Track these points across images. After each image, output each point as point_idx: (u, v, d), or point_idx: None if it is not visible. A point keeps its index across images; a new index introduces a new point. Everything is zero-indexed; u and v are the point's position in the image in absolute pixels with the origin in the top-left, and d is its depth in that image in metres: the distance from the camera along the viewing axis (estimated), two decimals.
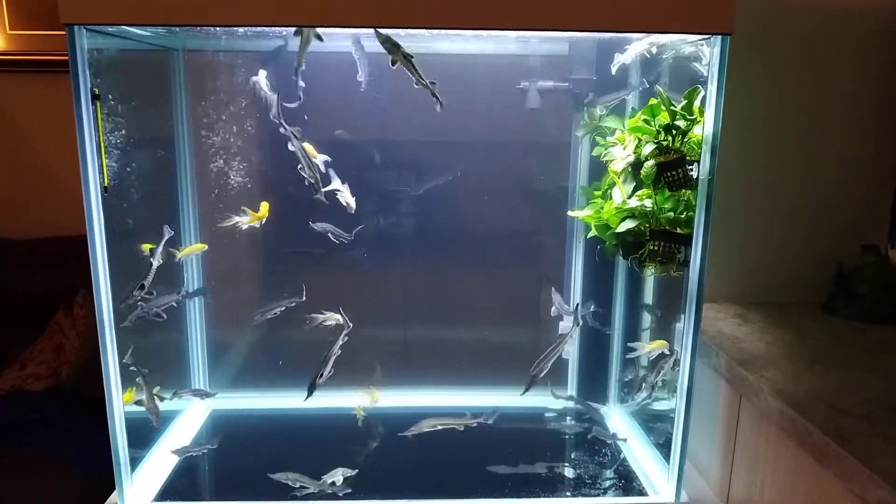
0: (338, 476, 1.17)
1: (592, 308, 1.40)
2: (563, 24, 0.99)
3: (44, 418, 1.57)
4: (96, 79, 1.01)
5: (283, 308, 1.30)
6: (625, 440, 1.37)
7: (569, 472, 1.29)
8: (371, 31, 1.01)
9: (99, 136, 1.02)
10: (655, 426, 1.36)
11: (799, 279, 1.48)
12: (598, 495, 1.22)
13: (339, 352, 1.20)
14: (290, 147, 1.17)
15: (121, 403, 1.11)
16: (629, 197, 1.22)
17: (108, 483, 1.15)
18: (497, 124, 1.48)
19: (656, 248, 1.17)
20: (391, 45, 1.02)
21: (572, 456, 1.37)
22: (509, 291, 1.59)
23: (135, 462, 1.18)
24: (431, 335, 1.60)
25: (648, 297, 1.45)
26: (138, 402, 1.18)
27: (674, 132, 1.15)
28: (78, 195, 1.01)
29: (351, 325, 1.22)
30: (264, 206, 1.28)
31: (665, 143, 1.15)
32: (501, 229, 1.56)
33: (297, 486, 1.16)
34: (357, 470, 1.19)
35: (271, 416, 1.51)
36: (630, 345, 1.33)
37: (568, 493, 1.22)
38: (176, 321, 1.45)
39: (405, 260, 1.56)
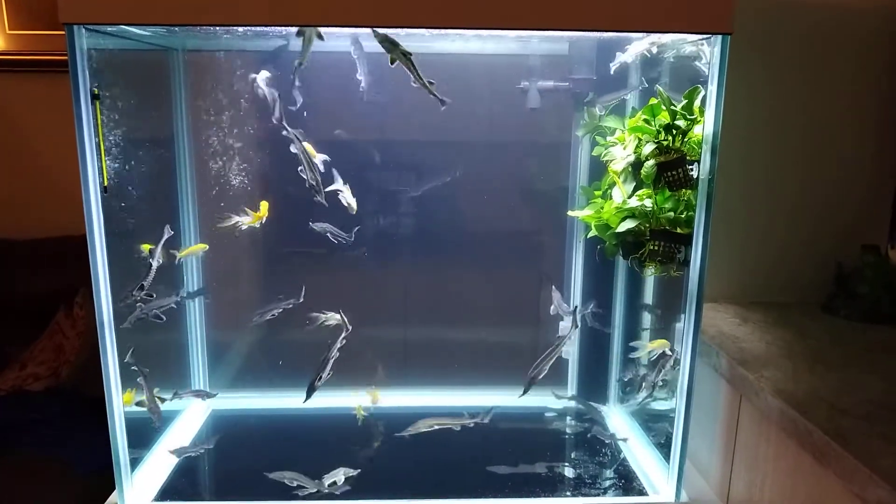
0: (339, 476, 1.17)
1: (592, 309, 1.40)
2: (563, 24, 0.98)
3: (44, 418, 1.57)
4: (96, 79, 1.01)
5: (281, 309, 1.30)
6: (625, 440, 1.37)
7: (569, 472, 1.29)
8: (370, 30, 1.01)
9: (99, 136, 1.02)
10: (655, 426, 1.36)
11: (799, 279, 1.48)
12: (598, 495, 1.22)
13: (338, 354, 1.20)
14: (293, 149, 1.17)
15: (121, 403, 1.11)
16: (629, 197, 1.22)
17: (108, 483, 1.14)
18: (497, 124, 1.48)
19: (656, 247, 1.17)
20: (389, 44, 1.02)
21: (572, 456, 1.37)
22: (509, 291, 1.59)
23: (135, 462, 1.18)
24: (431, 335, 1.60)
25: (648, 297, 1.45)
26: (139, 404, 1.18)
27: (674, 132, 1.15)
28: (78, 195, 1.01)
29: (350, 327, 1.22)
30: (264, 206, 1.28)
31: (665, 143, 1.15)
32: (501, 229, 1.56)
33: (295, 485, 1.16)
34: (359, 470, 1.19)
35: (271, 416, 1.51)
36: (632, 344, 1.33)
37: (568, 493, 1.22)
38: (176, 321, 1.45)
39: (405, 260, 1.55)
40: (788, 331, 1.30)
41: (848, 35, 1.39)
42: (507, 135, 1.49)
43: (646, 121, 1.19)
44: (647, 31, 1.05)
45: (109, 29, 1.03)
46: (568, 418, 1.51)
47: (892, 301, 1.36)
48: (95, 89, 1.00)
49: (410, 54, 1.03)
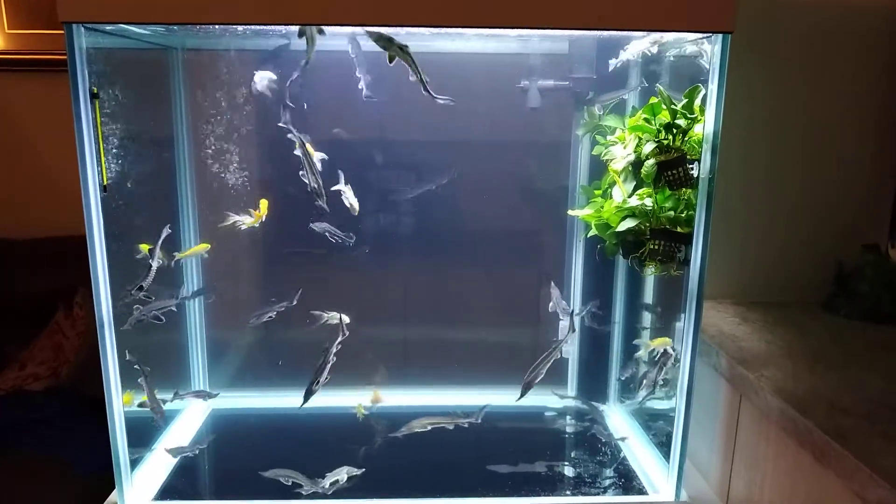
0: (342, 475, 1.17)
1: (590, 309, 1.40)
2: (563, 23, 0.98)
3: (43, 418, 1.57)
4: (95, 78, 1.01)
5: (276, 313, 1.31)
6: (623, 439, 1.37)
7: (569, 471, 1.29)
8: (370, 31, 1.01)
9: (98, 136, 1.02)
10: (655, 425, 1.36)
11: (799, 279, 1.48)
12: (598, 494, 1.22)
13: (335, 359, 1.20)
14: (297, 152, 1.17)
15: (120, 403, 1.11)
16: (629, 196, 1.22)
17: (108, 483, 1.14)
18: (497, 123, 1.48)
19: (656, 247, 1.17)
20: (384, 42, 1.02)
21: (572, 455, 1.37)
22: (509, 291, 1.59)
23: (135, 462, 1.18)
24: (431, 334, 1.60)
25: (648, 296, 1.45)
26: (141, 405, 1.18)
27: (674, 131, 1.15)
28: (77, 195, 1.01)
29: (347, 333, 1.22)
30: (263, 204, 1.28)
31: (665, 142, 1.15)
32: (502, 228, 1.56)
33: (291, 483, 1.16)
34: (363, 469, 1.19)
35: (271, 416, 1.51)
36: (635, 342, 1.33)
37: (568, 492, 1.22)
38: (176, 321, 1.45)
39: (405, 259, 1.55)
40: (788, 330, 1.30)
41: (848, 35, 1.39)
42: (508, 134, 1.49)
43: (646, 120, 1.19)
44: (647, 30, 1.05)
45: (108, 28, 1.03)
46: (568, 417, 1.51)
47: (893, 300, 1.36)
48: (95, 88, 1.00)
49: (406, 46, 1.02)
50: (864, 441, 0.86)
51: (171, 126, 1.39)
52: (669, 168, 1.13)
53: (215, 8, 0.96)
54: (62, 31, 0.97)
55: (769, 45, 1.39)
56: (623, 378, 1.48)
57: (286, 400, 1.50)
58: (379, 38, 1.02)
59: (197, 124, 1.40)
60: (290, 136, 1.17)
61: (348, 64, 1.19)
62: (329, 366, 1.19)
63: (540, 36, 1.23)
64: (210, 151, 1.40)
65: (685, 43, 1.13)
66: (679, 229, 1.16)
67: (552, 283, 1.30)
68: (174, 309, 1.26)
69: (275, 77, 1.26)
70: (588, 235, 1.34)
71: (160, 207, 1.39)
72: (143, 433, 1.26)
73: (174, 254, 1.32)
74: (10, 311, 1.74)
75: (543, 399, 1.51)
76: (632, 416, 1.47)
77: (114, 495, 1.14)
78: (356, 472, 1.18)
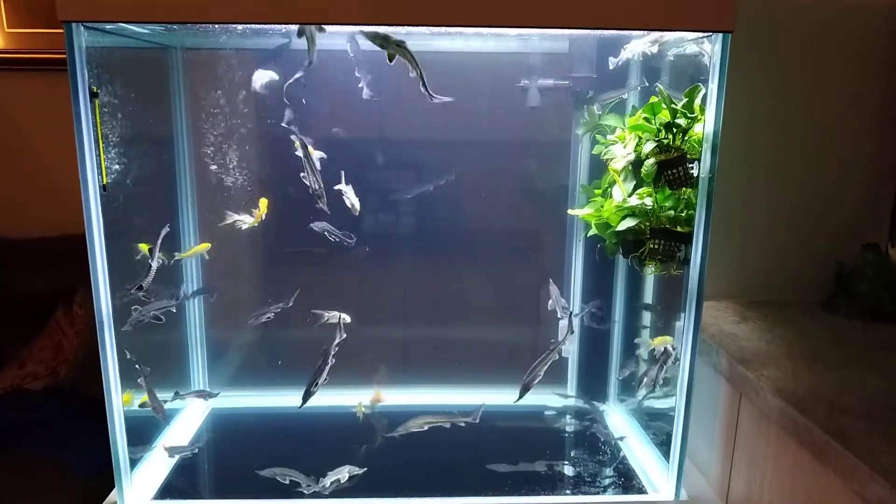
0: (344, 474, 1.17)
1: (590, 310, 1.40)
2: (564, 22, 0.98)
3: (43, 419, 1.57)
4: (95, 77, 1.01)
5: (273, 314, 1.31)
6: (622, 438, 1.37)
7: (569, 471, 1.29)
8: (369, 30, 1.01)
9: (98, 135, 1.02)
10: (655, 424, 1.36)
11: (799, 279, 1.48)
12: (598, 493, 1.22)
13: (334, 361, 1.20)
14: (298, 153, 1.17)
15: (120, 402, 1.11)
16: (629, 195, 1.22)
17: (107, 484, 1.14)
18: (497, 122, 1.48)
19: (656, 246, 1.17)
20: (381, 40, 1.02)
21: (572, 454, 1.37)
22: (509, 290, 1.59)
23: (134, 461, 1.18)
24: (431, 334, 1.60)
25: (648, 295, 1.44)
26: (142, 405, 1.18)
27: (674, 130, 1.15)
28: (77, 194, 1.01)
29: (345, 335, 1.22)
30: (263, 203, 1.28)
31: (665, 142, 1.15)
32: (502, 228, 1.56)
33: (288, 481, 1.16)
34: (365, 469, 1.19)
35: (271, 415, 1.51)
36: (637, 340, 1.33)
37: (568, 492, 1.22)
38: (176, 320, 1.45)
39: (405, 259, 1.55)
40: (788, 329, 1.30)
41: (848, 35, 1.39)
42: (508, 133, 1.49)
43: (646, 119, 1.19)
44: (648, 29, 1.05)
45: (108, 27, 1.03)
46: (567, 417, 1.51)
47: (893, 299, 1.36)
48: (94, 87, 1.00)
49: (403, 42, 1.02)
50: (864, 440, 0.86)
51: (170, 125, 1.39)
52: (669, 167, 1.13)
53: (215, 7, 0.96)
54: (62, 31, 0.97)
55: (769, 44, 1.39)
56: (622, 377, 1.48)
57: (286, 399, 1.51)
58: (375, 37, 1.01)
59: (197, 124, 1.40)
60: (292, 136, 1.17)
61: (348, 63, 1.19)
62: (328, 368, 1.19)
63: (540, 35, 1.23)
64: (210, 151, 1.40)
65: (686, 42, 1.13)
66: (679, 229, 1.16)
67: (550, 281, 1.30)
68: (173, 310, 1.26)
69: (276, 77, 1.26)
70: (588, 235, 1.34)
71: (160, 207, 1.39)
72: (143, 433, 1.26)
73: (174, 253, 1.32)
74: (10, 309, 1.74)
75: (543, 398, 1.51)
76: (631, 416, 1.47)
77: (113, 494, 1.14)
78: (358, 471, 1.18)
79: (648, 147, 1.16)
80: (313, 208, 1.21)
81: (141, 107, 1.30)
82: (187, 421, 1.44)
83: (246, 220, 1.29)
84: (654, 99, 1.18)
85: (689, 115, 1.14)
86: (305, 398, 1.19)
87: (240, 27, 1.08)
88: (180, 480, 1.23)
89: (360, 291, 1.52)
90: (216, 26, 1.08)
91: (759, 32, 1.37)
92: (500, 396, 1.31)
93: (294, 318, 1.34)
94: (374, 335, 1.51)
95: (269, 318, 1.32)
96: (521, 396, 1.19)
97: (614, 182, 1.24)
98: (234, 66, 1.36)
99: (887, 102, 1.42)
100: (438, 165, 1.45)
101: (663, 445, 1.24)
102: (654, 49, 1.12)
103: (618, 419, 1.49)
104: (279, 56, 1.25)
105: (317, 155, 1.18)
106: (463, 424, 1.24)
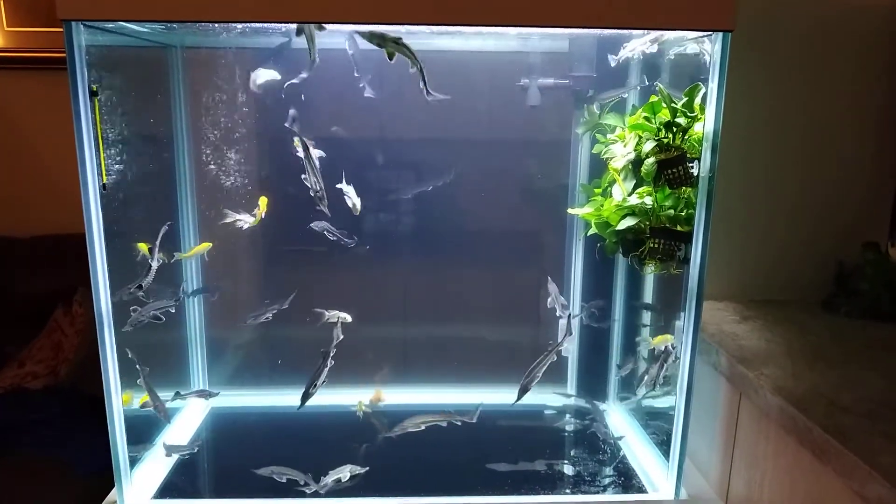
0: (345, 473, 1.17)
1: (588, 309, 1.40)
2: (563, 21, 0.98)
3: (43, 419, 1.57)
4: (95, 75, 1.01)
5: (271, 315, 1.31)
6: (621, 438, 1.37)
7: (568, 470, 1.29)
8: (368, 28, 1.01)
9: (97, 134, 1.02)
10: (655, 423, 1.36)
11: (799, 279, 1.48)
12: (597, 492, 1.22)
13: (332, 363, 1.20)
14: (299, 154, 1.17)
15: (120, 401, 1.11)
16: (629, 194, 1.22)
17: (107, 484, 1.14)
18: (497, 121, 1.48)
19: (656, 245, 1.17)
20: (379, 39, 1.02)
21: (572, 453, 1.37)
22: (509, 289, 1.59)
23: (134, 460, 1.18)
24: (431, 333, 1.60)
25: (648, 294, 1.45)
26: (144, 405, 1.18)
27: (674, 129, 1.15)
28: (77, 193, 1.01)
29: (342, 336, 1.22)
30: (263, 201, 1.28)
31: (666, 141, 1.15)
32: (501, 227, 1.56)
33: (285, 480, 1.16)
34: (367, 468, 1.19)
35: (271, 414, 1.51)
36: (638, 339, 1.32)
37: (568, 491, 1.22)
38: (175, 319, 1.45)
39: (404, 258, 1.55)
40: (788, 328, 1.30)
41: (848, 34, 1.39)
42: (508, 132, 1.49)
43: (646, 118, 1.19)
44: (648, 29, 1.05)
45: (108, 25, 1.03)
46: (567, 416, 1.51)
47: (893, 298, 1.36)
48: (94, 86, 1.00)
49: (400, 39, 1.02)
50: (864, 439, 0.86)
51: (170, 124, 1.39)
52: (669, 166, 1.13)
53: (215, 5, 0.96)
54: (61, 29, 0.97)
55: (769, 44, 1.38)
56: (621, 376, 1.48)
57: (285, 398, 1.51)
58: (372, 37, 1.01)
59: (196, 122, 1.40)
60: (294, 138, 1.17)
61: (348, 62, 1.19)
62: (326, 370, 1.19)
63: (540, 34, 1.23)
64: (209, 150, 1.40)
65: (686, 41, 1.13)
66: (679, 228, 1.16)
67: (549, 279, 1.30)
68: (171, 310, 1.26)
69: (277, 76, 1.26)
70: (588, 234, 1.34)
71: (160, 206, 1.39)
72: (143, 432, 1.26)
73: (174, 253, 1.32)
74: (10, 309, 1.74)
75: (543, 398, 1.51)
76: (631, 415, 1.47)
77: (113, 494, 1.14)
78: (359, 470, 1.18)
79: (648, 146, 1.16)
80: (313, 208, 1.21)
81: (141, 106, 1.30)
82: (187, 420, 1.44)
83: (247, 220, 1.29)
84: (654, 98, 1.18)
85: (689, 114, 1.14)
86: (304, 400, 1.19)
87: (240, 26, 1.08)
88: (180, 480, 1.23)
89: (360, 291, 1.52)
90: (216, 25, 1.08)
91: (759, 32, 1.37)
92: (500, 396, 1.31)
93: (294, 317, 1.34)
94: (374, 334, 1.51)
95: (267, 318, 1.32)
96: (518, 398, 1.19)
97: (614, 181, 1.24)
98: (234, 65, 1.36)
99: (887, 102, 1.42)
100: (438, 165, 1.45)
101: (663, 444, 1.24)
102: (654, 48, 1.12)
103: (618, 418, 1.49)
104: (280, 55, 1.25)
105: (316, 153, 1.18)
106: (459, 423, 1.24)
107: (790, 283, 1.48)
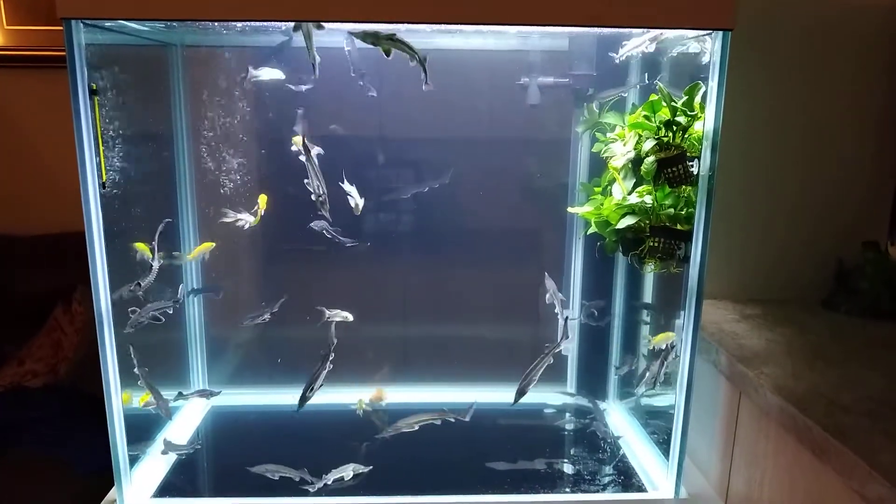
0: (348, 472, 1.17)
1: (590, 308, 1.40)
2: (563, 20, 0.98)
3: (43, 417, 1.57)
4: (95, 74, 1.01)
5: (268, 316, 1.31)
6: (620, 437, 1.37)
7: (568, 469, 1.29)
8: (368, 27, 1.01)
9: (97, 132, 1.02)
10: (655, 422, 1.36)
11: (799, 278, 1.48)
12: (597, 491, 1.22)
13: (331, 366, 1.20)
14: (301, 158, 1.17)
15: (120, 400, 1.10)
16: (629, 193, 1.22)
17: (107, 483, 1.14)
18: (497, 120, 1.48)
19: (656, 244, 1.17)
20: (373, 38, 1.01)
21: (572, 452, 1.37)
22: (509, 288, 1.59)
23: (134, 459, 1.18)
24: (431, 332, 1.60)
25: (648, 293, 1.45)
26: (146, 405, 1.18)
27: (674, 128, 1.15)
28: (76, 191, 1.01)
29: (336, 340, 1.22)
30: (263, 200, 1.27)
31: (665, 140, 1.15)
32: (501, 226, 1.56)
33: (278, 477, 1.16)
34: (370, 467, 1.18)
35: (270, 413, 1.51)
36: (644, 337, 1.32)
37: (567, 490, 1.22)
38: (175, 319, 1.45)
39: (404, 256, 1.55)
40: (788, 327, 1.30)
41: (848, 34, 1.39)
42: (507, 131, 1.49)
43: (646, 117, 1.19)
44: (648, 27, 1.05)
45: (108, 24, 1.03)
46: (567, 415, 1.51)
47: (893, 297, 1.36)
48: (94, 85, 1.00)
49: (394, 34, 1.02)
50: (864, 438, 0.86)
51: (170, 123, 1.39)
52: (669, 165, 1.13)
53: (214, 4, 0.95)
54: (61, 28, 0.97)
55: (769, 43, 1.38)
56: (621, 375, 1.48)
57: (285, 397, 1.50)
58: (365, 36, 1.01)
59: (196, 121, 1.40)
60: (297, 138, 1.17)
61: (347, 61, 1.19)
62: (325, 372, 1.19)
63: (540, 33, 1.23)
64: (209, 148, 1.40)
65: (687, 40, 1.13)
66: (679, 227, 1.16)
67: (546, 275, 1.30)
68: (170, 311, 1.26)
69: (280, 75, 1.26)
70: (588, 233, 1.34)
71: (160, 205, 1.39)
72: (143, 431, 1.26)
73: (174, 253, 1.32)
74: (9, 307, 1.74)
75: (543, 396, 1.51)
76: (631, 414, 1.47)
77: (113, 493, 1.14)
78: (362, 469, 1.18)
79: (648, 145, 1.16)
80: (313, 208, 1.21)
81: (141, 104, 1.30)
82: (187, 419, 1.44)
83: (247, 220, 1.29)
84: (654, 97, 1.18)
85: (689, 112, 1.14)
86: (302, 403, 1.20)
87: (240, 24, 1.08)
88: (180, 478, 1.23)
89: (359, 289, 1.52)
90: (216, 23, 1.08)
91: (759, 31, 1.36)
92: (500, 394, 1.31)
93: (293, 316, 1.34)
94: (374, 333, 1.50)
95: (264, 320, 1.32)
96: (516, 400, 1.19)
97: (614, 180, 1.24)
98: (234, 64, 1.36)
99: (887, 102, 1.42)
100: (438, 164, 1.45)
101: (663, 443, 1.24)
102: (653, 48, 1.12)
103: (618, 417, 1.49)
104: (280, 53, 1.25)
105: (314, 151, 1.18)
106: (454, 420, 1.24)
107: (790, 282, 1.48)
